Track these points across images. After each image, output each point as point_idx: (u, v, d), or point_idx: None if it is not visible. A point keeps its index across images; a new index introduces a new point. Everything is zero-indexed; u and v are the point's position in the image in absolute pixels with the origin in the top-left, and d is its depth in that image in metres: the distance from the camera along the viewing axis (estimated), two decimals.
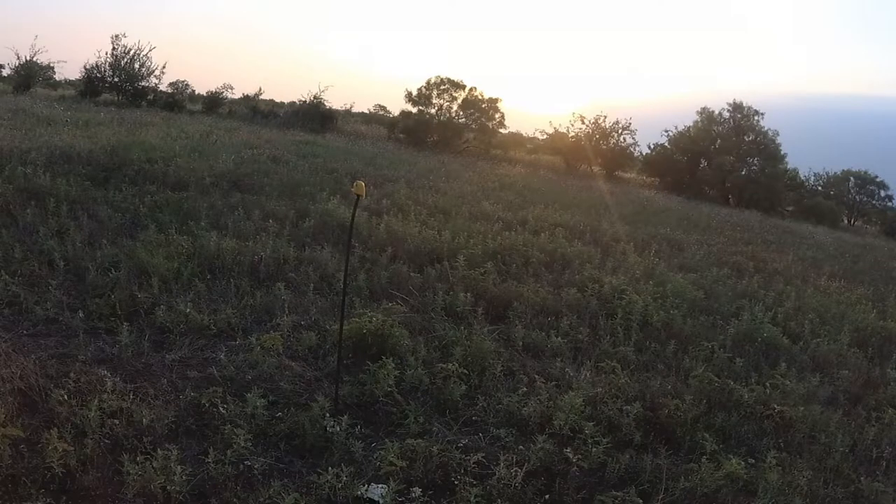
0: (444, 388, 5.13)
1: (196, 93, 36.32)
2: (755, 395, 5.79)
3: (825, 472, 4.84)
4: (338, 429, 4.34)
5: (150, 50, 29.94)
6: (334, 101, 39.41)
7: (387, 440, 4.33)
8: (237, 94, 37.06)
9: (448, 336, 6.12)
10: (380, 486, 3.86)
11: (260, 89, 38.14)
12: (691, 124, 35.34)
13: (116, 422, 4.03)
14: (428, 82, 33.16)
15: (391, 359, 5.22)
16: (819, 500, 4.50)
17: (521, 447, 4.48)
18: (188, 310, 5.77)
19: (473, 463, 4.14)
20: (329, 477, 3.77)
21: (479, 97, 33.15)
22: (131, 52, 29.57)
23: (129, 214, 8.76)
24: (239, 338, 5.60)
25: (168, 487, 3.51)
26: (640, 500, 4.06)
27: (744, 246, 14.96)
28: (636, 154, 35.38)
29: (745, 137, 33.81)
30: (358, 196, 4.51)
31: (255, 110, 32.54)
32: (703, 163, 34.22)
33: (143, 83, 29.95)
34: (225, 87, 34.68)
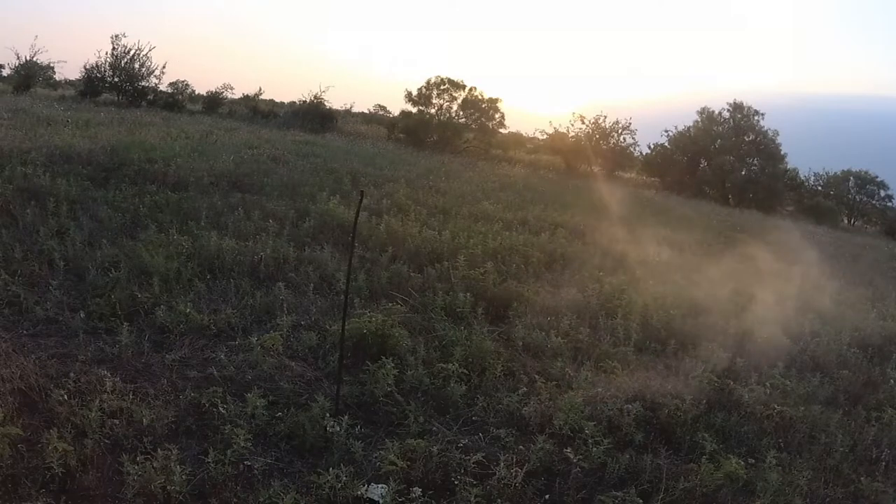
0: (444, 388, 5.13)
1: (196, 93, 36.30)
2: (755, 395, 5.79)
3: (825, 472, 4.84)
4: (338, 429, 4.34)
5: (149, 50, 29.95)
6: (334, 101, 39.36)
7: (387, 440, 4.33)
8: (237, 94, 37.08)
9: (448, 336, 6.13)
10: (380, 486, 3.86)
11: (260, 89, 38.13)
12: (691, 124, 35.36)
13: (116, 422, 4.04)
14: (428, 82, 33.19)
15: (391, 359, 5.22)
16: (819, 500, 4.50)
17: (521, 447, 4.48)
18: (188, 310, 5.77)
19: (473, 463, 4.14)
20: (329, 477, 3.77)
21: (479, 97, 33.17)
22: (131, 52, 29.56)
23: (129, 214, 8.76)
24: (239, 338, 5.60)
25: (168, 487, 3.51)
26: (641, 500, 4.06)
27: (744, 246, 14.95)
28: (636, 154, 35.38)
29: (745, 137, 33.80)
30: (362, 197, 4.53)
31: (255, 110, 32.54)
32: (703, 163, 34.22)
33: (143, 83, 29.93)
34: (225, 87, 34.71)
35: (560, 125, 34.29)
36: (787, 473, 4.58)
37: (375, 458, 4.13)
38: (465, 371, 5.37)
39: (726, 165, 32.10)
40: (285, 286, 6.68)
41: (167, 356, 5.11)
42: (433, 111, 32.86)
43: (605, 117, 33.76)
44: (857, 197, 35.30)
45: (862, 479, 4.76)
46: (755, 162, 33.24)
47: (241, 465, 3.90)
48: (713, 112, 34.97)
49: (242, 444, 3.95)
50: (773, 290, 10.20)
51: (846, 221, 34.59)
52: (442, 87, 32.96)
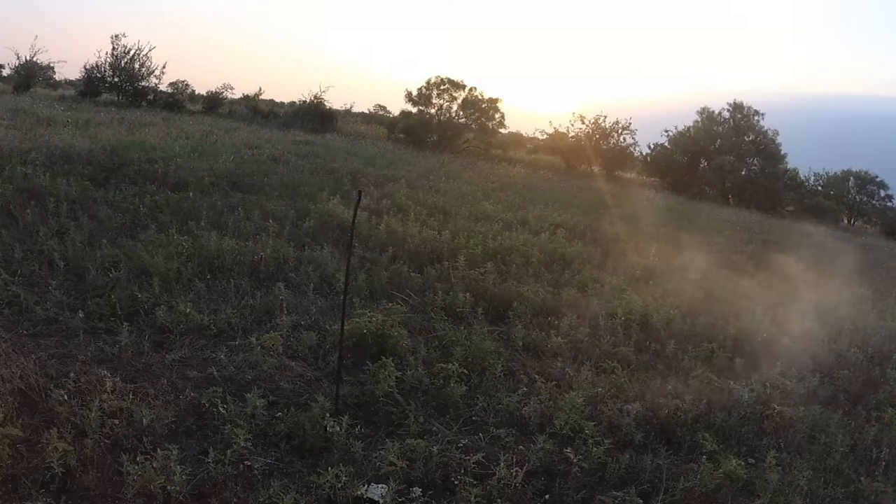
0: (444, 388, 5.13)
1: (196, 93, 36.28)
2: (755, 395, 5.79)
3: (825, 472, 4.84)
4: (338, 429, 4.33)
5: (149, 50, 29.93)
6: (334, 101, 39.32)
7: (387, 440, 4.33)
8: (237, 94, 37.06)
9: (448, 336, 6.12)
10: (380, 486, 3.86)
11: (260, 89, 38.12)
12: (691, 124, 35.36)
13: (116, 422, 4.03)
14: (428, 82, 33.14)
15: (391, 359, 5.23)
16: (819, 500, 4.50)
17: (521, 447, 4.48)
18: (188, 310, 5.77)
19: (473, 463, 4.14)
20: (329, 477, 3.77)
21: (479, 97, 33.13)
22: (131, 52, 29.55)
23: (129, 214, 8.76)
24: (239, 338, 5.60)
25: (168, 487, 3.51)
26: (640, 500, 4.06)
27: (744, 246, 14.97)
28: (636, 154, 35.36)
29: (745, 137, 33.80)
30: (359, 196, 4.54)
31: (255, 110, 32.53)
32: (703, 163, 34.23)
33: (143, 83, 29.92)
34: (225, 87, 34.69)
35: (560, 125, 34.27)
36: (787, 473, 4.58)
37: (375, 458, 4.13)
38: (465, 371, 5.36)
39: (726, 165, 32.10)
40: (285, 286, 6.68)
41: (167, 356, 5.11)
42: (433, 111, 32.83)
43: (605, 117, 33.73)
44: (857, 197, 35.27)
45: (862, 479, 4.76)
46: (755, 162, 33.23)
47: (241, 465, 3.90)
48: (713, 112, 34.98)
49: (242, 444, 3.95)
50: (769, 288, 10.21)
51: (846, 221, 34.57)
52: (442, 87, 32.93)
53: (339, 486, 3.75)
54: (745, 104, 34.21)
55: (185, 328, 5.60)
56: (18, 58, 29.43)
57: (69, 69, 33.60)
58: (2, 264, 6.30)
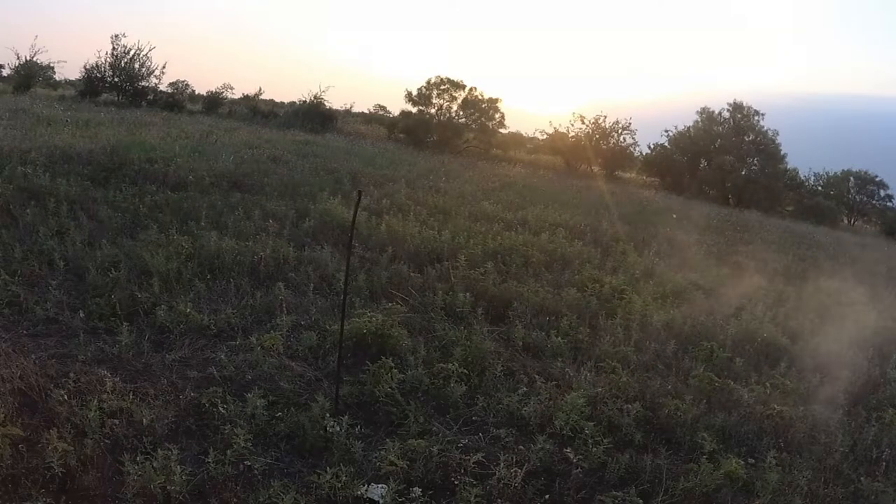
0: (444, 388, 5.13)
1: (196, 93, 36.30)
2: (755, 395, 5.79)
3: (825, 472, 4.83)
4: (338, 429, 4.33)
5: (149, 50, 29.94)
6: (334, 101, 39.47)
7: (387, 440, 4.33)
8: (237, 94, 37.11)
9: (448, 336, 6.12)
10: (380, 486, 3.86)
11: (260, 89, 38.29)
12: (691, 124, 35.44)
13: (116, 422, 4.03)
14: (428, 82, 33.17)
15: (391, 359, 5.23)
16: (819, 500, 4.50)
17: (521, 447, 4.48)
18: (188, 310, 5.77)
19: (473, 463, 4.14)
20: (329, 477, 3.77)
21: (479, 97, 33.15)
22: (131, 52, 29.55)
23: (129, 214, 8.76)
24: (239, 338, 5.60)
25: (168, 487, 3.51)
26: (640, 500, 4.06)
27: (744, 246, 14.97)
28: (636, 154, 35.39)
29: (745, 137, 33.85)
30: (359, 196, 4.54)
31: (255, 110, 32.53)
32: (703, 163, 34.26)
33: (143, 83, 29.93)
34: (225, 87, 34.74)
35: (560, 125, 34.33)
36: (787, 473, 4.58)
37: (375, 458, 4.13)
38: (465, 371, 5.36)
39: (726, 165, 32.11)
40: (285, 286, 6.68)
41: (167, 356, 5.11)
42: (433, 111, 32.85)
43: (605, 117, 33.80)
44: (857, 197, 35.31)
45: (862, 479, 4.76)
46: (755, 162, 33.29)
47: (241, 465, 3.90)
48: (713, 112, 35.05)
49: (242, 444, 3.95)
50: (769, 287, 10.21)
51: (846, 221, 34.60)
52: (442, 87, 32.94)
53: (339, 486, 3.75)
54: (745, 104, 34.32)
55: (185, 328, 5.60)
56: (18, 58, 29.47)
57: (69, 69, 33.66)
58: (2, 264, 6.29)
